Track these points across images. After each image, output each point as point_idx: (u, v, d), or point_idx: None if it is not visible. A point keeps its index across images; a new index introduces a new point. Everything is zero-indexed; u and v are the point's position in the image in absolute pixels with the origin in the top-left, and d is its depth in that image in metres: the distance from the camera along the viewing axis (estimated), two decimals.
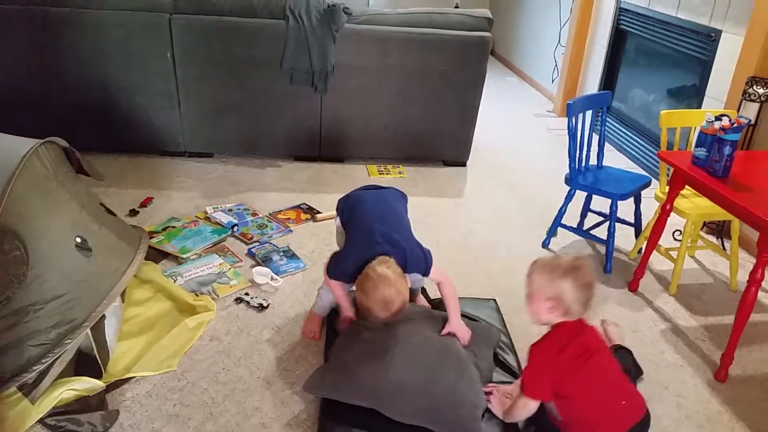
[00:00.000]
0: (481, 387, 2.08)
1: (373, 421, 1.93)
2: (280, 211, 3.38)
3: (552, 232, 3.28)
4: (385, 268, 2.03)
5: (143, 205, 3.35)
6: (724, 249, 3.20)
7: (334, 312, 2.43)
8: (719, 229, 3.45)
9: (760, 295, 2.93)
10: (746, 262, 3.21)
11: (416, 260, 2.16)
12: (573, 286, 1.80)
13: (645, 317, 2.73)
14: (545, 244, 3.29)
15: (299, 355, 2.32)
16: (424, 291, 2.66)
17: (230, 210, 3.31)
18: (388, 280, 2.01)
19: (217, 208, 3.32)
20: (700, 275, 3.13)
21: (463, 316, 2.33)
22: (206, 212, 3.27)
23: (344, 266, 2.16)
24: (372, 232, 2.16)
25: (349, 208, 2.35)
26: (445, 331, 2.21)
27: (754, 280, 2.25)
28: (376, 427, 1.93)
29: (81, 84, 3.66)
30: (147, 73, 3.67)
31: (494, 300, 2.70)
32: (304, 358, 2.30)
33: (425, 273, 2.21)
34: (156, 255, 2.85)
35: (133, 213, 3.27)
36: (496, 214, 3.61)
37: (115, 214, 2.46)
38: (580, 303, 1.83)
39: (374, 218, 2.24)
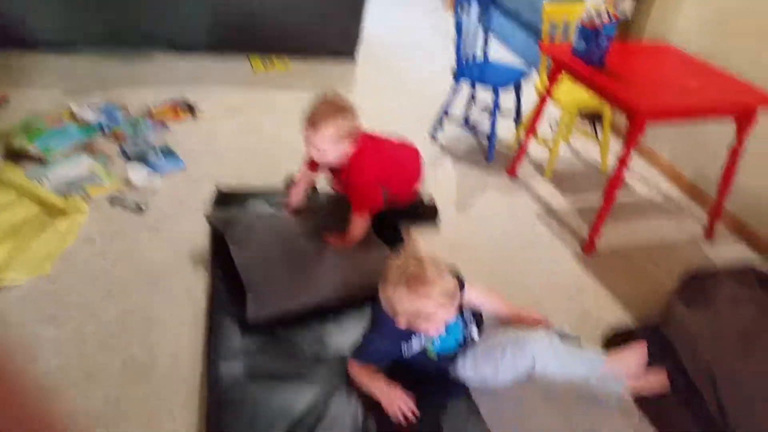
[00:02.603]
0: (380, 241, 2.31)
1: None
2: (155, 107, 3.17)
3: (439, 124, 3.31)
4: None
5: None
6: (597, 135, 3.38)
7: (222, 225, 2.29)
8: (593, 117, 3.63)
9: (627, 177, 3.14)
10: (616, 146, 3.42)
11: None
12: (342, 120, 2.05)
13: (522, 201, 2.87)
14: (433, 136, 3.33)
15: (183, 254, 2.25)
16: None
17: (98, 107, 3.06)
18: None
19: (84, 104, 3.05)
20: (574, 160, 3.30)
21: None
22: (71, 110, 3.00)
23: None
24: None
25: None
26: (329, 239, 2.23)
27: (621, 162, 2.40)
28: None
29: None
30: None
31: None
32: (188, 257, 2.23)
33: None
34: (17, 157, 2.61)
35: None
36: (385, 109, 3.58)
37: None
38: (354, 127, 2.08)
39: None
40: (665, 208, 2.96)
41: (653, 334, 1.97)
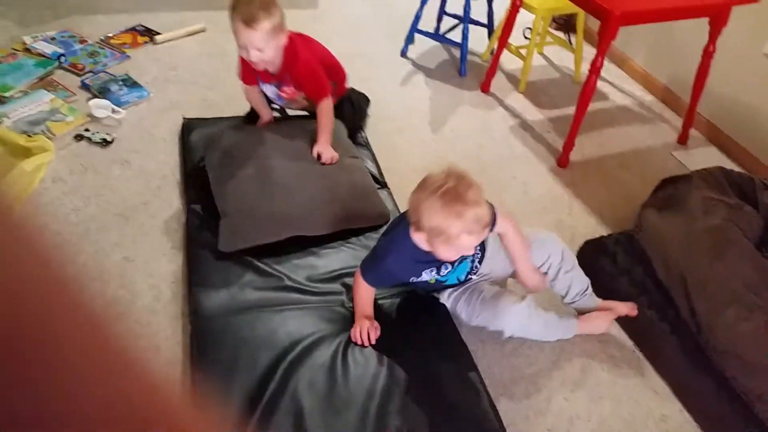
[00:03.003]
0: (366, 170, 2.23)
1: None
2: (113, 35, 3.03)
3: (410, 39, 3.22)
4: None
5: None
6: (571, 43, 3.31)
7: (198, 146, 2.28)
8: (566, 24, 3.55)
9: (600, 84, 3.11)
10: (590, 55, 3.35)
11: None
12: (274, 9, 1.94)
13: (496, 116, 2.85)
14: (404, 52, 3.24)
15: (155, 187, 2.22)
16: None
17: (53, 38, 2.92)
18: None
19: (38, 37, 2.91)
20: (547, 71, 3.26)
21: None
22: (25, 43, 2.86)
23: None
24: None
25: None
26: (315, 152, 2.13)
27: (594, 69, 2.37)
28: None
29: None
30: None
31: None
32: (160, 190, 2.21)
33: None
34: None
35: None
36: (353, 23, 3.46)
37: None
38: (283, 16, 1.99)
39: None
40: (639, 115, 2.96)
41: (627, 241, 2.01)
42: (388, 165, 2.39)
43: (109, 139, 2.37)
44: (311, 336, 1.67)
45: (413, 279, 1.71)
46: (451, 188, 1.42)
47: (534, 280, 1.76)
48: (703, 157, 2.68)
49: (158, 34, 3.06)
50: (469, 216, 1.42)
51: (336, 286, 1.84)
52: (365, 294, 1.71)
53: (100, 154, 2.33)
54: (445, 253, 1.53)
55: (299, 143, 2.18)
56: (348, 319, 1.74)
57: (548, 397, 1.70)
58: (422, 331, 1.76)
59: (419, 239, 1.53)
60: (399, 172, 2.39)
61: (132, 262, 1.93)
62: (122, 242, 2.00)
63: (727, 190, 2.08)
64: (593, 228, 2.26)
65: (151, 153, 2.36)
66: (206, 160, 2.16)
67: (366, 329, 1.67)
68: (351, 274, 1.85)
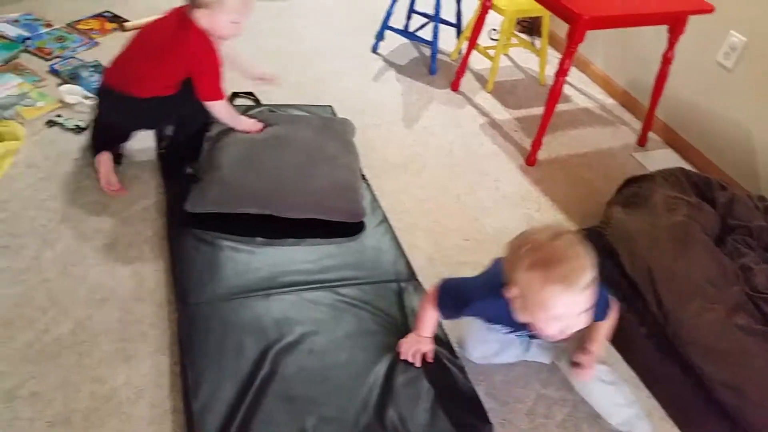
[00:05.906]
0: (359, 170, 2.25)
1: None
2: (80, 20, 2.96)
3: (380, 36, 3.26)
4: None
5: None
6: (535, 46, 3.43)
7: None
8: (530, 27, 3.67)
9: (564, 87, 3.23)
10: (553, 58, 3.48)
11: None
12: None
13: (466, 114, 2.93)
14: (375, 49, 3.28)
15: (132, 176, 2.19)
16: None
17: (16, 21, 2.83)
18: None
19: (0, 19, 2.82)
20: (513, 72, 3.36)
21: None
22: None
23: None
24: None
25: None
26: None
27: (561, 71, 2.46)
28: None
29: None
30: None
31: (330, 106, 2.70)
32: (137, 179, 2.18)
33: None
34: None
35: None
36: (323, 17, 3.48)
37: None
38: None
39: None
40: (600, 117, 3.09)
41: (595, 236, 2.12)
42: (364, 159, 2.42)
43: (82, 125, 2.33)
44: (299, 322, 1.70)
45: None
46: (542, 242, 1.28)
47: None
48: (661, 158, 2.83)
49: (127, 21, 3.01)
50: (580, 304, 1.29)
51: (319, 275, 1.87)
52: (431, 317, 1.63)
53: (73, 140, 2.28)
54: (543, 329, 1.36)
55: (296, 135, 2.23)
56: (334, 305, 1.77)
57: (525, 384, 1.78)
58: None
59: (513, 299, 1.38)
60: (376, 166, 2.44)
61: (114, 247, 1.92)
62: (102, 227, 1.97)
63: (687, 189, 2.21)
64: (560, 222, 2.36)
65: None
66: (206, 136, 2.20)
67: (418, 350, 1.65)
68: (332, 267, 1.91)
